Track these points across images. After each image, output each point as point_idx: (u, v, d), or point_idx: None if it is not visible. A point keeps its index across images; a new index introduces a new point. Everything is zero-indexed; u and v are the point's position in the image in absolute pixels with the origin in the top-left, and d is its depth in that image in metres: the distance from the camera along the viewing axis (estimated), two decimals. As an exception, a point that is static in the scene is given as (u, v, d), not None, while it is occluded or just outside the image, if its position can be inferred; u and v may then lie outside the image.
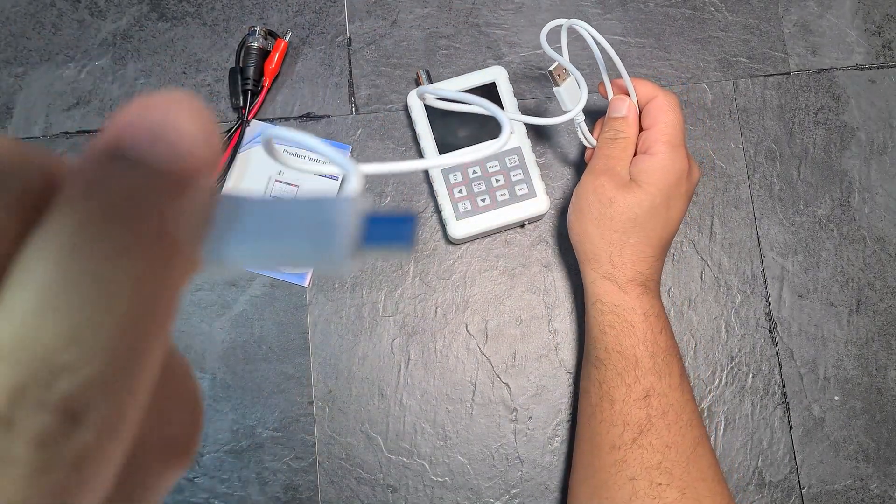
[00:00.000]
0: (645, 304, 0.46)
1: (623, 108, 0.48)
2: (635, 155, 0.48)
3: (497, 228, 0.53)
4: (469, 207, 0.52)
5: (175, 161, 0.12)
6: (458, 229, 0.52)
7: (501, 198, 0.52)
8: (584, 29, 0.45)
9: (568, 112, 0.48)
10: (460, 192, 0.53)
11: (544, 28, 0.46)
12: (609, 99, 0.49)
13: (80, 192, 0.11)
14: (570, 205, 0.49)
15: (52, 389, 0.11)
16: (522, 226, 0.55)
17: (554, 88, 0.48)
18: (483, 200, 0.52)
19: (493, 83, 0.54)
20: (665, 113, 0.46)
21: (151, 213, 0.11)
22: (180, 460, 0.15)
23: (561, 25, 0.47)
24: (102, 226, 0.11)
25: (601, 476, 0.45)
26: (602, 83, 0.49)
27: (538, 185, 0.53)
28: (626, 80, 0.47)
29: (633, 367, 0.45)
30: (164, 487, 0.16)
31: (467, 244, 0.55)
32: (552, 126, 0.56)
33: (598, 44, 0.45)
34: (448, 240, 0.55)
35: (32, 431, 0.10)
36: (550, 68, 0.47)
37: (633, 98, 0.48)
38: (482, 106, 0.41)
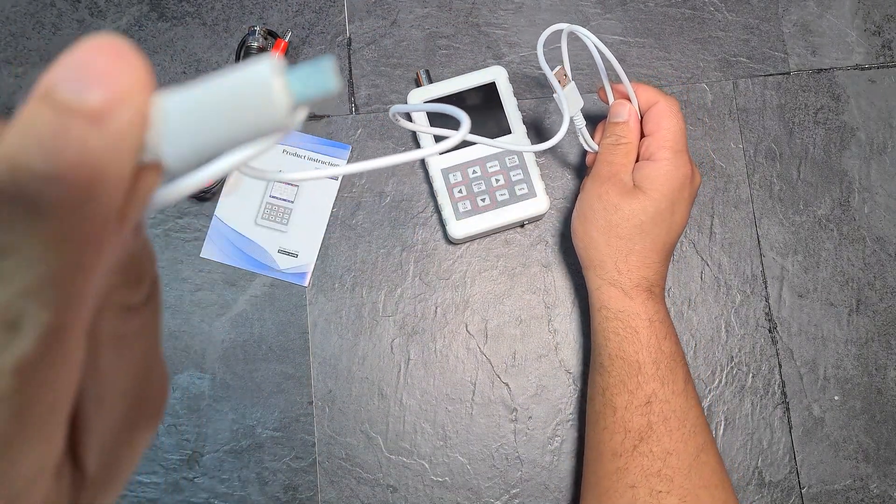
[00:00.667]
0: (650, 309, 0.46)
1: (624, 113, 0.47)
2: (637, 160, 0.48)
3: (497, 228, 0.53)
4: (469, 207, 0.52)
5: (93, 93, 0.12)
6: (458, 229, 0.52)
7: (501, 198, 0.52)
8: (584, 35, 0.45)
9: (546, 142, 0.45)
10: (460, 191, 0.53)
11: (542, 34, 0.46)
12: (609, 104, 0.49)
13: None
14: (574, 210, 0.49)
15: None
16: (522, 226, 0.55)
17: (554, 95, 0.47)
18: (483, 200, 0.52)
19: (493, 83, 0.54)
20: (667, 118, 0.46)
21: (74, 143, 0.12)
22: (152, 420, 0.17)
23: (561, 30, 0.46)
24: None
25: (604, 484, 0.44)
26: (602, 88, 0.49)
27: (538, 185, 0.53)
28: (627, 85, 0.47)
29: (636, 374, 0.45)
30: (140, 446, 0.18)
31: (467, 244, 0.55)
32: (552, 125, 0.56)
33: (598, 49, 0.45)
34: (448, 240, 0.55)
35: None
36: (553, 72, 0.47)
37: (634, 103, 0.48)
38: (445, 109, 0.41)
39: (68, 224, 0.12)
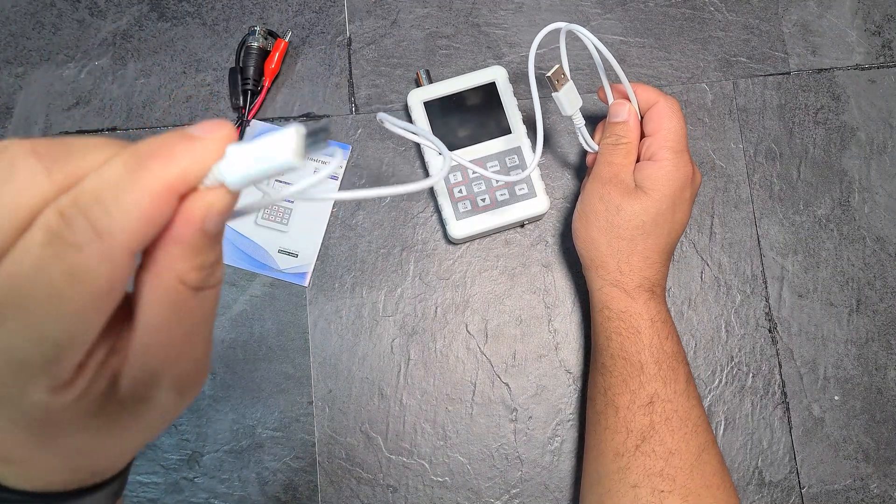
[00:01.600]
0: (652, 309, 0.46)
1: (623, 113, 0.47)
2: (637, 160, 0.48)
3: (497, 228, 0.53)
4: (469, 207, 0.52)
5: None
6: (458, 229, 0.52)
7: (501, 198, 0.52)
8: (583, 34, 0.45)
9: (526, 167, 0.46)
10: (460, 191, 0.53)
11: (539, 33, 0.46)
12: (609, 103, 0.49)
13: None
14: (576, 211, 0.49)
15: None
16: (522, 226, 0.55)
17: (553, 94, 0.47)
18: (483, 200, 0.52)
19: (493, 83, 0.54)
20: (668, 118, 0.46)
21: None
22: (190, 391, 0.22)
23: (559, 28, 0.46)
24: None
25: (606, 484, 0.44)
26: (601, 88, 0.49)
27: (538, 185, 0.53)
28: (626, 85, 0.47)
29: (638, 373, 0.45)
30: (176, 411, 0.22)
31: (467, 244, 0.55)
32: (552, 126, 0.56)
33: (596, 48, 0.45)
34: (448, 240, 0.55)
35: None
36: (548, 74, 0.47)
37: (634, 102, 0.48)
38: (427, 139, 0.43)
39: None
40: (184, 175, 0.18)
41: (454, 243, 0.55)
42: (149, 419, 0.22)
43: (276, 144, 0.19)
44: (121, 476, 0.24)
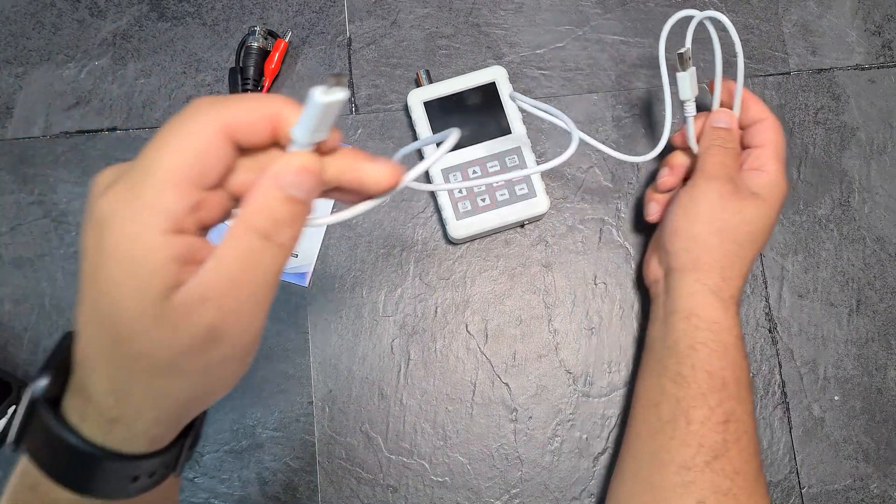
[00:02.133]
0: (738, 325, 0.45)
1: (729, 120, 0.48)
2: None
3: (497, 228, 0.53)
4: (469, 207, 0.52)
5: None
6: (458, 229, 0.52)
7: (501, 198, 0.52)
8: (723, 20, 0.46)
9: (648, 153, 0.50)
10: (460, 191, 0.52)
11: (670, 20, 0.49)
12: (713, 97, 0.49)
13: None
14: (678, 207, 0.47)
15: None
16: (522, 226, 0.55)
17: (678, 73, 0.48)
18: (483, 200, 0.52)
19: (493, 83, 0.54)
20: (777, 133, 0.47)
21: None
22: (243, 358, 0.27)
23: (692, 17, 0.48)
24: None
25: (662, 494, 0.43)
26: (713, 80, 0.49)
27: (538, 185, 0.53)
28: (739, 89, 0.48)
29: (720, 390, 0.43)
30: (229, 374, 0.27)
31: (467, 244, 0.55)
32: (552, 125, 0.56)
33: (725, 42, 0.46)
34: (448, 240, 0.55)
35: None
36: (681, 50, 0.47)
37: (737, 109, 0.48)
38: (559, 119, 0.48)
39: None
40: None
41: (454, 243, 0.55)
42: (213, 370, 0.26)
43: (308, 102, 0.25)
44: (175, 447, 0.29)
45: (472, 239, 0.54)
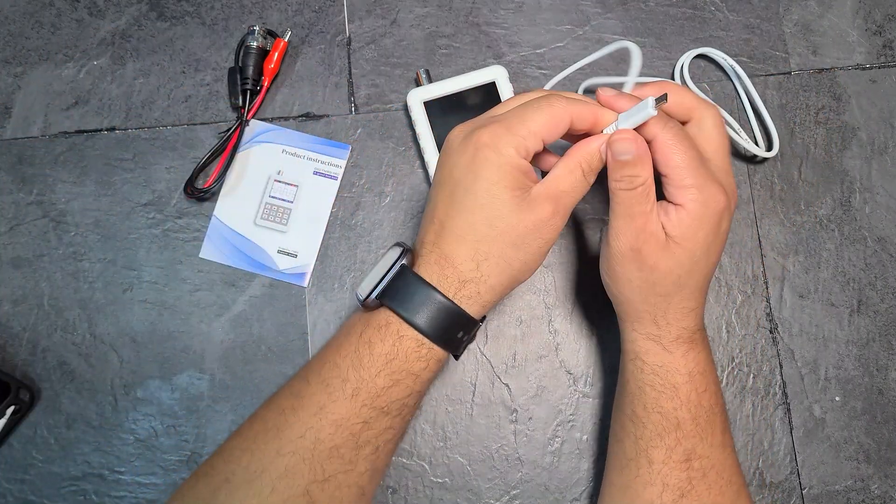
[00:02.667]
0: (690, 362, 0.43)
1: (630, 148, 0.39)
2: (659, 199, 0.41)
3: None
4: None
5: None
6: None
7: None
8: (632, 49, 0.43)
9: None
10: None
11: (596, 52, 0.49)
12: (610, 120, 0.41)
13: None
14: (604, 265, 0.43)
15: None
16: None
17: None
18: None
19: (493, 83, 0.54)
20: (675, 153, 0.39)
21: None
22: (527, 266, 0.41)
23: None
24: None
25: None
26: (600, 91, 0.41)
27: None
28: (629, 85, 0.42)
29: (675, 430, 0.42)
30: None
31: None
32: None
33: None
34: None
35: None
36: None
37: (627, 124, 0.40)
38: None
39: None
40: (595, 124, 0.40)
41: None
42: (538, 250, 0.40)
43: (640, 108, 0.37)
44: (478, 326, 0.42)
45: None
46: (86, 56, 0.57)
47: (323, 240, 0.55)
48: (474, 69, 0.56)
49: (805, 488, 0.52)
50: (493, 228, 0.38)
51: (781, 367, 0.54)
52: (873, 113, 0.57)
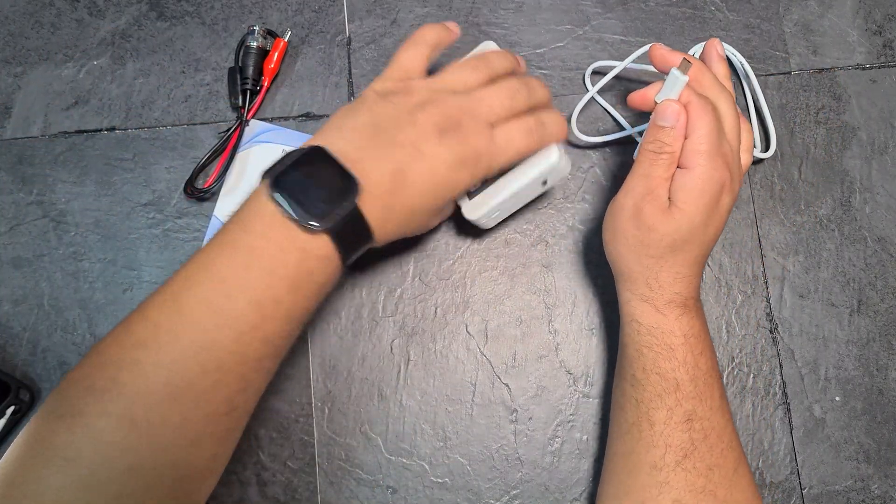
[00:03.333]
0: (684, 325, 0.44)
1: (672, 117, 0.42)
2: None
3: (516, 194, 0.47)
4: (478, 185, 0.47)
5: None
6: (473, 210, 0.48)
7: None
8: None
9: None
10: None
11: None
12: (653, 94, 0.44)
13: None
14: (605, 222, 0.46)
15: None
16: (544, 183, 0.48)
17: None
18: None
19: None
20: (700, 119, 0.42)
21: None
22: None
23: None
24: None
25: (639, 496, 0.43)
26: (655, 46, 0.45)
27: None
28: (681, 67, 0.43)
29: (674, 391, 0.43)
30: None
31: (467, 245, 0.55)
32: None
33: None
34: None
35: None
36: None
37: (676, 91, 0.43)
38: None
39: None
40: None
41: (483, 229, 0.51)
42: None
43: (671, 80, 0.42)
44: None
45: (496, 219, 0.50)
46: (86, 56, 0.57)
47: (323, 240, 0.55)
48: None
49: (805, 488, 0.52)
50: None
51: (781, 367, 0.54)
52: (873, 113, 0.57)
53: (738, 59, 0.56)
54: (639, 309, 0.45)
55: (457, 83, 0.44)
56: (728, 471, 0.43)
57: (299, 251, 0.38)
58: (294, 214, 0.37)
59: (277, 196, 0.38)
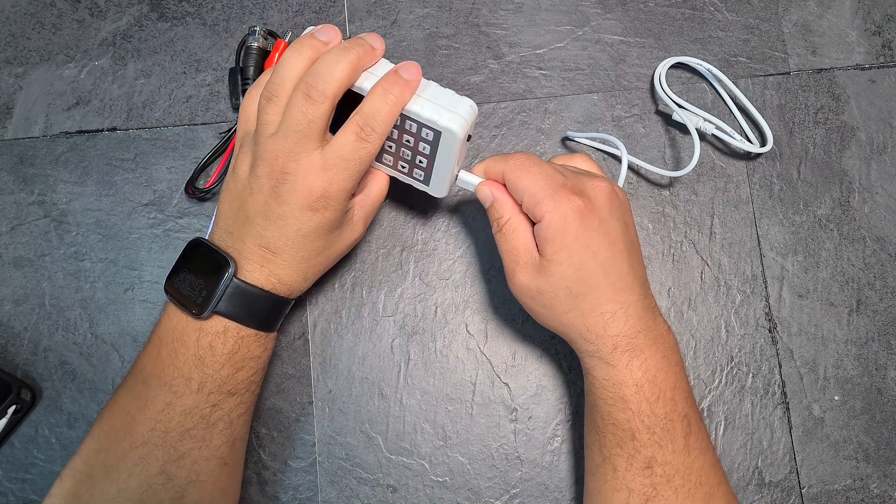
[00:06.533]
0: (635, 372, 0.42)
1: (488, 194, 0.45)
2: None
3: (452, 159, 0.45)
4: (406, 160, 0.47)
5: None
6: (437, 190, 0.48)
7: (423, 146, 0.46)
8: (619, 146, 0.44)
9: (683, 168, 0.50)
10: (405, 156, 0.46)
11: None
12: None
13: None
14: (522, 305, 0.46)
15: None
16: (469, 138, 0.45)
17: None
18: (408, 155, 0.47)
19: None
20: (521, 180, 0.42)
21: None
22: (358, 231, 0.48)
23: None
24: None
25: None
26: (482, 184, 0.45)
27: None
28: (479, 169, 0.45)
29: (631, 440, 0.42)
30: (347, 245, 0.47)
31: (467, 245, 0.55)
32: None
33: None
34: (470, 225, 0.54)
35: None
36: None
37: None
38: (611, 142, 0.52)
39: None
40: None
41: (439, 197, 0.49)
42: (335, 256, 0.46)
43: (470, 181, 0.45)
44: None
45: (451, 185, 0.47)
46: (87, 56, 0.57)
47: (323, 240, 0.55)
48: (474, 69, 0.56)
49: (804, 487, 0.52)
50: (321, 255, 0.45)
51: (780, 366, 0.54)
52: (872, 113, 0.57)
53: (705, 66, 0.56)
54: (589, 364, 0.44)
55: (268, 123, 0.42)
56: None
57: (196, 332, 0.42)
58: (181, 308, 0.43)
59: (167, 294, 0.43)
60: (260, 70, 0.55)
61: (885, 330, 0.54)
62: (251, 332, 0.43)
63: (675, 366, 0.44)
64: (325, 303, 0.54)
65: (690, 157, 0.51)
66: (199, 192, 0.54)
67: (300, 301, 0.54)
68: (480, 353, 0.54)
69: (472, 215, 0.55)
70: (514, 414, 0.53)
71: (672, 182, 0.56)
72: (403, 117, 0.43)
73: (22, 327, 0.54)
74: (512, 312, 0.54)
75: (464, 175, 0.46)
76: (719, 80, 0.56)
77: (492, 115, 0.56)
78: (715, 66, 0.56)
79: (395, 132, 0.45)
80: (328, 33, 0.43)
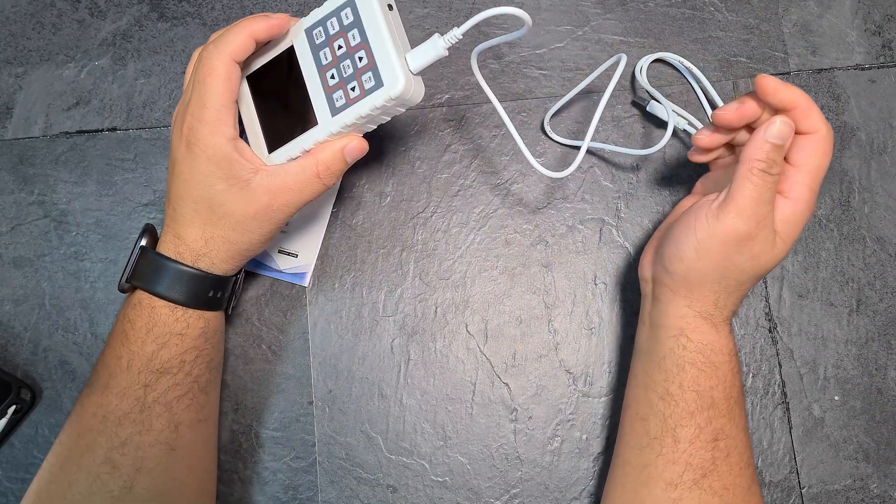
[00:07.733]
0: (731, 341, 0.44)
1: (790, 136, 0.40)
2: None
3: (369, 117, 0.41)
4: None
5: None
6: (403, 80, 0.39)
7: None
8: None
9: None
10: (332, 76, 0.41)
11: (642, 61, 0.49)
12: (763, 92, 0.41)
13: None
14: (693, 232, 0.42)
15: None
16: (391, 7, 0.41)
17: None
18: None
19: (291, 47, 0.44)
20: (823, 155, 0.40)
21: None
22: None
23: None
24: None
25: None
26: (761, 78, 0.40)
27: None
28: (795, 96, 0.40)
29: (708, 408, 0.42)
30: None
31: (467, 245, 0.55)
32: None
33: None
34: (469, 225, 0.54)
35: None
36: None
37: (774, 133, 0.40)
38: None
39: None
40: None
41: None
42: (263, 233, 0.44)
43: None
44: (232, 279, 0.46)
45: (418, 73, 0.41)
46: (87, 56, 0.57)
47: (323, 240, 0.55)
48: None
49: (804, 487, 0.52)
50: (213, 214, 0.42)
51: (780, 366, 0.54)
52: (872, 113, 0.57)
53: (686, 64, 0.56)
54: (693, 324, 0.43)
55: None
56: (742, 490, 0.42)
57: (122, 306, 0.45)
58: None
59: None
60: (260, 70, 0.55)
61: (885, 330, 0.54)
62: (162, 302, 0.43)
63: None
64: (325, 303, 0.54)
65: (690, 159, 0.51)
66: (199, 192, 0.54)
67: (300, 301, 0.54)
68: (480, 353, 0.54)
69: (472, 215, 0.55)
70: (514, 414, 0.53)
71: (672, 182, 0.56)
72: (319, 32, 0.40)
73: (22, 327, 0.54)
74: (512, 312, 0.54)
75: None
76: (696, 78, 0.56)
77: (492, 115, 0.56)
78: (714, 66, 0.56)
79: (328, 53, 0.41)
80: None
